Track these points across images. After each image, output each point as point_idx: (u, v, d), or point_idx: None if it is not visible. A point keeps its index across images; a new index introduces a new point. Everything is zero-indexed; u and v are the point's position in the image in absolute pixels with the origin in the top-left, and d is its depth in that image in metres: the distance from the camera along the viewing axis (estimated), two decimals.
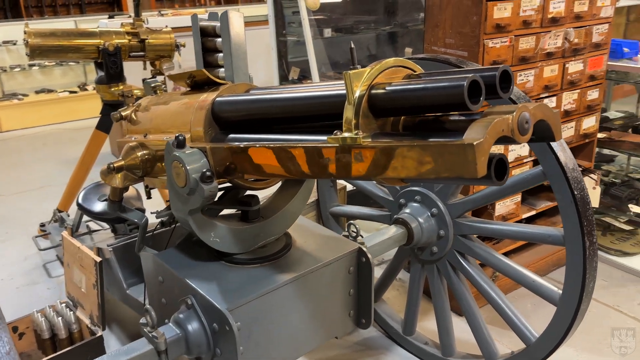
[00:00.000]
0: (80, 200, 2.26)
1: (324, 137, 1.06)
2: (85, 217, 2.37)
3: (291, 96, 1.16)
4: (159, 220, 1.68)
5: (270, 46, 3.63)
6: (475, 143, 0.79)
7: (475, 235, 1.90)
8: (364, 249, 1.54)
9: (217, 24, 1.55)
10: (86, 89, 6.52)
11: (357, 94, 0.96)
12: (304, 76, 3.76)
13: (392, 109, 0.97)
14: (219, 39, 1.55)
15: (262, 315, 1.35)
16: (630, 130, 3.17)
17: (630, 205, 3.07)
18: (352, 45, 1.01)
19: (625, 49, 2.72)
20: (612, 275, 2.79)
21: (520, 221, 2.48)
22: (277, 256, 1.50)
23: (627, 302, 2.55)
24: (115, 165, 1.51)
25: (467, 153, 0.80)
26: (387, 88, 0.96)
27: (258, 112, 1.25)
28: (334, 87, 1.11)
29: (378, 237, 1.80)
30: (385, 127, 1.01)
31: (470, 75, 0.84)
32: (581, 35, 2.42)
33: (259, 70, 5.45)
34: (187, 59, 4.24)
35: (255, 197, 1.51)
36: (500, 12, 2.07)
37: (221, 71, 1.56)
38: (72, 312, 2.06)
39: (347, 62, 3.88)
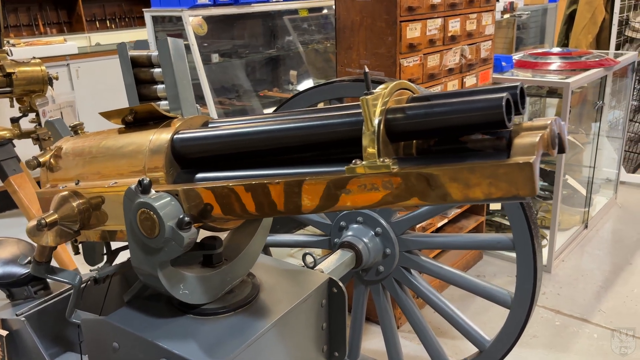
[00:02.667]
0: None
1: (332, 168, 0.99)
2: None
3: (285, 127, 1.07)
4: (90, 278, 1.47)
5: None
6: (531, 161, 0.79)
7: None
8: (335, 278, 1.47)
9: (152, 52, 1.41)
10: None
11: (377, 120, 0.91)
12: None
13: (413, 132, 0.93)
14: (157, 70, 1.41)
15: None
16: None
17: None
18: (367, 69, 0.96)
19: (504, 63, 2.98)
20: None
21: (437, 230, 2.59)
22: (249, 300, 1.38)
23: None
24: (47, 220, 1.29)
25: (524, 172, 0.79)
26: (407, 112, 0.92)
27: (238, 147, 1.13)
28: (327, 114, 1.05)
29: (331, 263, 1.74)
30: (398, 152, 0.97)
31: (504, 93, 0.84)
32: (473, 52, 2.60)
33: (125, 100, 5.13)
34: (61, 93, 3.86)
35: (218, 238, 1.38)
36: (412, 32, 2.15)
37: (162, 104, 1.41)
38: None
39: (233, 87, 3.80)
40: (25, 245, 2.09)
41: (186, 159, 1.23)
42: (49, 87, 3.11)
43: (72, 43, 4.97)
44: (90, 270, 1.58)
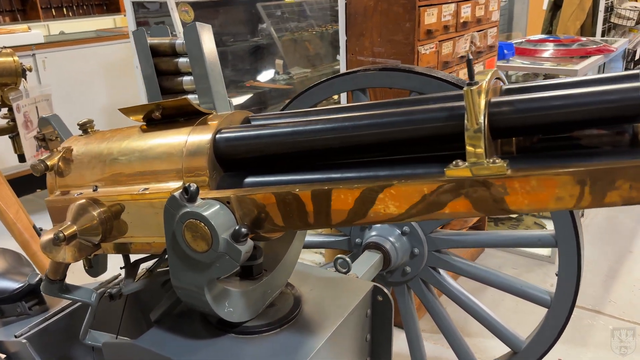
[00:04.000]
0: None
1: (418, 170, 0.87)
2: None
3: (357, 124, 0.93)
4: (105, 292, 1.32)
5: (134, 64, 3.20)
6: None
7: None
8: (380, 286, 1.36)
9: (176, 39, 1.24)
10: None
11: (482, 115, 0.79)
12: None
13: (521, 128, 0.81)
14: (182, 59, 1.24)
15: None
16: None
17: None
18: (470, 57, 0.83)
19: (506, 51, 2.91)
20: (518, 262, 2.97)
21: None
22: (294, 315, 1.25)
23: (540, 285, 2.72)
24: (65, 233, 1.12)
25: None
26: (517, 105, 0.80)
27: (299, 147, 0.99)
28: (408, 108, 0.92)
29: (362, 267, 1.62)
30: (497, 151, 0.86)
31: (636, 83, 0.73)
32: (481, 39, 2.51)
33: (97, 94, 4.86)
34: (35, 85, 3.59)
35: (258, 247, 1.24)
36: (430, 18, 2.04)
37: (189, 98, 1.25)
38: None
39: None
40: (12, 255, 1.90)
41: (231, 161, 1.08)
42: (22, 79, 2.87)
43: (37, 31, 4.66)
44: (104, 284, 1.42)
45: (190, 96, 1.26)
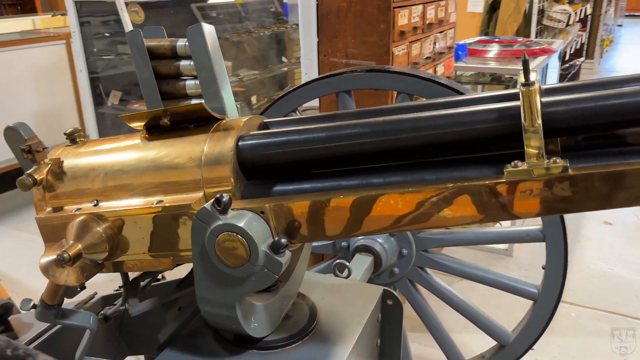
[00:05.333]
0: None
1: (468, 173, 0.86)
2: None
3: (399, 127, 0.90)
4: (100, 315, 1.22)
5: (78, 67, 3.00)
6: None
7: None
8: (390, 289, 1.34)
9: (177, 41, 1.16)
10: None
11: (539, 116, 0.79)
12: (125, 100, 3.22)
13: (575, 127, 0.82)
14: (184, 62, 1.16)
15: None
16: None
17: None
18: (527, 57, 0.83)
19: (460, 52, 2.98)
20: (477, 256, 3.06)
21: None
22: (313, 326, 1.21)
23: None
24: (71, 252, 1.02)
25: None
26: (571, 105, 0.80)
27: (333, 152, 0.95)
28: (452, 111, 0.90)
29: (356, 271, 1.60)
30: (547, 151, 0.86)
31: None
32: (442, 40, 2.56)
33: (27, 100, 4.54)
34: None
35: None
36: (402, 19, 2.05)
37: (193, 103, 1.18)
38: None
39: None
40: None
41: (255, 169, 1.02)
42: None
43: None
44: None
45: (195, 101, 1.19)
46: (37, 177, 1.14)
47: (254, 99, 4.09)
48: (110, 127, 3.31)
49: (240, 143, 1.01)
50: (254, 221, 0.93)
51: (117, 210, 1.07)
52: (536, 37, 4.33)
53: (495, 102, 0.93)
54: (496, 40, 3.43)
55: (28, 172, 1.14)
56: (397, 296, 1.34)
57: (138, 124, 1.13)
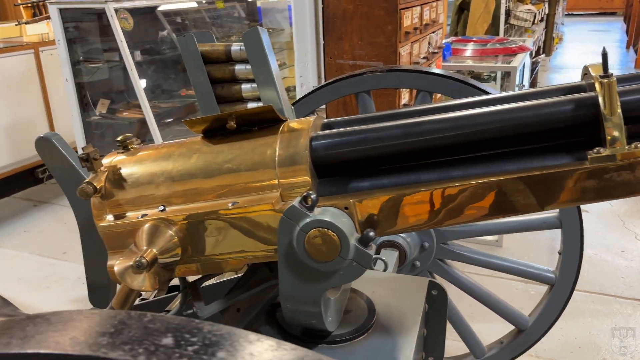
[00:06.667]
0: None
1: (553, 161, 0.91)
2: None
3: (491, 119, 0.95)
4: None
5: (64, 76, 2.92)
6: None
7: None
8: (434, 280, 1.39)
9: (232, 45, 1.18)
10: None
11: (619, 104, 0.85)
12: (114, 109, 3.16)
13: None
14: (239, 66, 1.18)
15: None
16: None
17: None
18: (605, 51, 0.89)
19: (445, 52, 3.08)
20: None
21: None
22: (374, 319, 1.25)
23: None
24: (148, 258, 1.02)
25: None
26: None
27: (415, 147, 0.99)
28: (531, 103, 0.96)
29: (390, 266, 1.65)
30: None
31: None
32: (434, 40, 2.64)
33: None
34: None
35: None
36: (407, 20, 2.11)
37: (250, 106, 1.20)
38: None
39: (156, 87, 3.42)
40: None
41: (328, 167, 1.05)
42: None
43: None
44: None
45: (251, 104, 1.21)
46: (98, 185, 1.14)
47: None
48: (98, 136, 3.24)
49: (313, 143, 1.04)
50: (341, 217, 0.97)
51: (188, 214, 1.08)
52: (504, 35, 4.50)
53: (554, 96, 1.00)
54: (474, 39, 3.56)
55: (87, 180, 1.14)
56: (442, 286, 1.39)
57: (198, 128, 1.14)
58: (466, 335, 1.95)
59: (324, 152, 1.03)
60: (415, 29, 2.27)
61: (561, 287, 1.78)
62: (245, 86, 1.20)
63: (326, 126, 1.14)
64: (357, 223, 0.99)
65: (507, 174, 0.93)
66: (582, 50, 11.18)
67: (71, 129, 4.82)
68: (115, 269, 1.05)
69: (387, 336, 1.21)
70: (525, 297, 2.78)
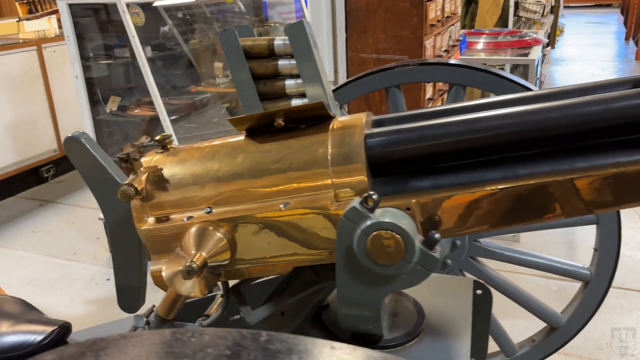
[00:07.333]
0: None
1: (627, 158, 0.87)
2: None
3: (561, 114, 0.90)
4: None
5: (74, 73, 2.86)
6: None
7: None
8: (479, 280, 1.35)
9: (276, 39, 1.13)
10: None
11: None
12: (124, 106, 3.10)
13: None
14: (283, 61, 1.13)
15: None
16: None
17: None
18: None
19: (461, 45, 3.03)
20: None
21: None
22: (423, 322, 1.20)
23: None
24: (198, 262, 0.98)
25: None
26: None
27: (479, 144, 0.94)
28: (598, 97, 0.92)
29: None
30: None
31: None
32: (454, 32, 2.59)
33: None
34: None
35: None
36: (432, 12, 2.07)
37: (295, 103, 1.15)
38: None
39: (166, 83, 3.36)
40: (18, 302, 1.65)
41: (381, 166, 1.01)
42: None
43: None
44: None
45: (297, 100, 1.16)
46: (139, 186, 1.09)
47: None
48: (107, 134, 3.19)
49: (368, 140, 1.00)
50: (402, 218, 0.92)
51: (237, 216, 1.03)
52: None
53: (619, 88, 0.96)
54: (487, 32, 3.51)
55: (128, 181, 1.09)
56: (487, 286, 1.35)
57: (243, 127, 1.10)
58: (496, 333, 1.92)
59: (380, 150, 0.99)
60: (438, 21, 2.22)
61: (597, 284, 1.75)
62: (289, 82, 1.15)
63: (377, 123, 1.09)
64: (418, 224, 0.95)
65: (580, 171, 0.89)
66: (582, 43, 11.16)
67: (75, 127, 4.75)
68: (164, 274, 1.01)
69: (439, 340, 1.17)
70: (547, 293, 2.75)
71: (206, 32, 3.99)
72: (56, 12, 5.54)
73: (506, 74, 1.62)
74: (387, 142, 0.99)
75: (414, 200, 0.94)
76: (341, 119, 1.07)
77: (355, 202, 0.91)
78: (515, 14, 4.48)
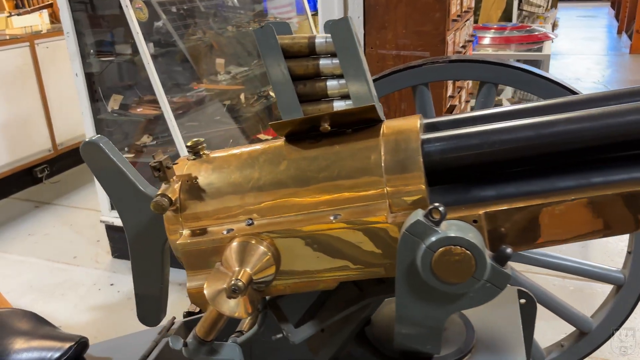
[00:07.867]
0: None
1: None
2: None
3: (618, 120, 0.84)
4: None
5: (74, 71, 2.75)
6: None
7: None
8: (523, 289, 1.29)
9: (317, 37, 1.05)
10: None
11: None
12: (126, 105, 3.00)
13: None
14: (324, 60, 1.05)
15: None
16: None
17: None
18: None
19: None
20: None
21: None
22: (474, 337, 1.14)
23: None
24: (243, 279, 0.90)
25: None
26: None
27: (551, 149, 0.88)
28: None
29: None
30: None
31: None
32: (470, 28, 2.53)
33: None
34: None
35: None
36: (453, 7, 2.00)
37: (337, 105, 1.07)
38: None
39: (167, 80, 3.26)
40: (32, 317, 1.56)
41: (438, 174, 0.93)
42: None
43: None
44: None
45: (339, 102, 1.08)
46: (174, 197, 1.01)
47: (242, 97, 3.94)
48: (107, 134, 3.08)
49: (425, 146, 0.92)
50: (470, 231, 0.85)
51: (283, 229, 0.96)
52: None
53: None
54: (495, 27, 3.45)
55: (161, 191, 1.01)
56: (531, 295, 1.29)
57: (283, 132, 1.02)
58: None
59: (440, 157, 0.91)
60: (459, 16, 2.15)
61: (631, 287, 1.69)
62: (331, 82, 1.07)
63: (430, 127, 1.02)
64: (485, 238, 0.88)
65: None
66: (574, 36, 11.18)
67: (70, 125, 4.63)
68: (206, 292, 0.93)
69: (492, 355, 1.11)
70: (565, 293, 2.71)
71: (211, 27, 3.90)
72: (48, 6, 5.39)
73: (540, 71, 1.55)
74: (447, 148, 0.91)
75: (481, 212, 0.86)
76: (391, 122, 0.99)
77: (418, 214, 0.83)
78: (519, 8, 4.43)
